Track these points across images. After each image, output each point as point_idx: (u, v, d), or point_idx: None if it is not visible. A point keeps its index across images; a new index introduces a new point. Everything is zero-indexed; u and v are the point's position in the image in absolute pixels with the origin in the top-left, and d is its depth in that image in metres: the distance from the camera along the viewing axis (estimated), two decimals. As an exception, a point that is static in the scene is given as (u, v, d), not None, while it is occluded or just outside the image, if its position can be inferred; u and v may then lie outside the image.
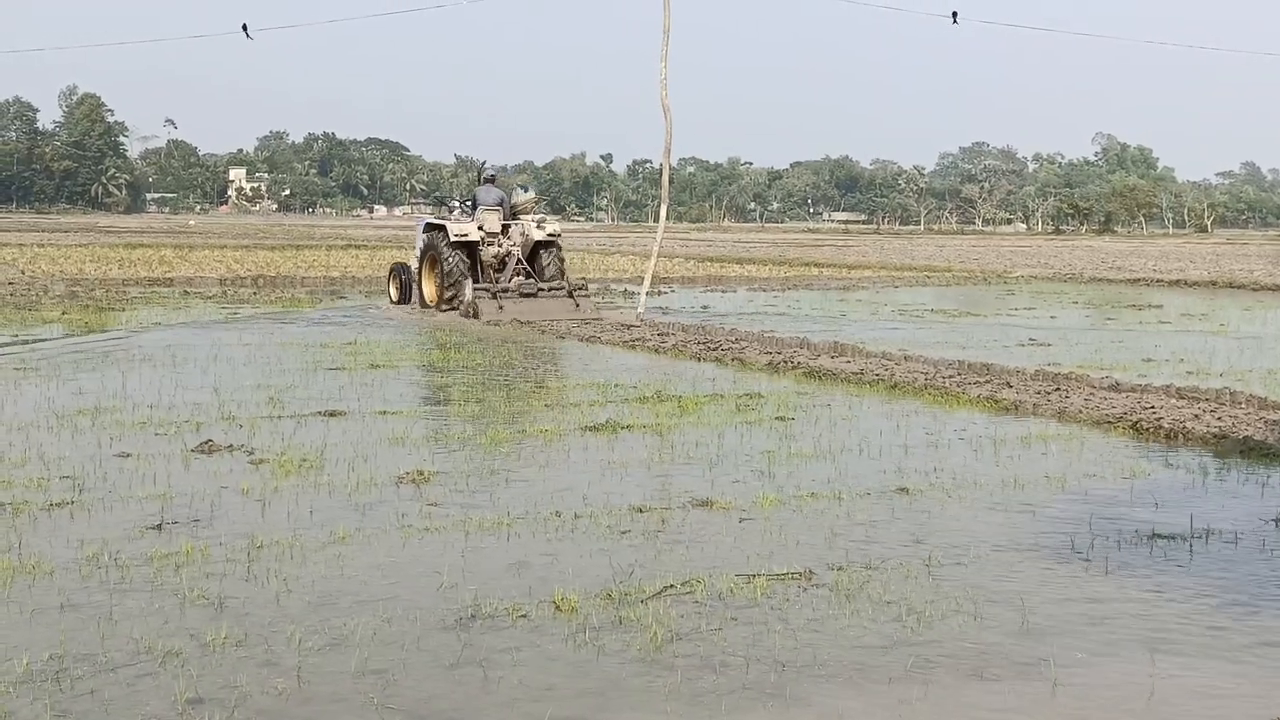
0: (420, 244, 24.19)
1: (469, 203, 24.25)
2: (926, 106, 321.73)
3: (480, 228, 23.25)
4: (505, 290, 22.60)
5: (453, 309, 22.74)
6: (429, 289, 23.66)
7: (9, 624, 5.82)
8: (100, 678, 5.19)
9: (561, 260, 23.94)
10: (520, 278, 23.17)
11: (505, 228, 23.66)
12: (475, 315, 21.95)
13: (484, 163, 26.07)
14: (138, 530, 7.43)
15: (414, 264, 24.56)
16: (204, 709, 4.90)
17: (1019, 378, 14.41)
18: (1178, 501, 8.65)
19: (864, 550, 7.29)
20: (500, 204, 23.89)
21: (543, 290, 22.85)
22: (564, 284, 23.24)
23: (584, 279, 26.50)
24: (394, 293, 25.01)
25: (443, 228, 23.23)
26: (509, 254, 23.49)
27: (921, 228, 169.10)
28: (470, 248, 23.17)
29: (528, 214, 23.96)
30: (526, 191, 24.82)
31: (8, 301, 23.95)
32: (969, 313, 26.22)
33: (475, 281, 22.86)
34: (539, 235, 23.46)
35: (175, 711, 4.88)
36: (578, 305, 22.71)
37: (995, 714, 5.06)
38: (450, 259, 22.86)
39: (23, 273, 32.38)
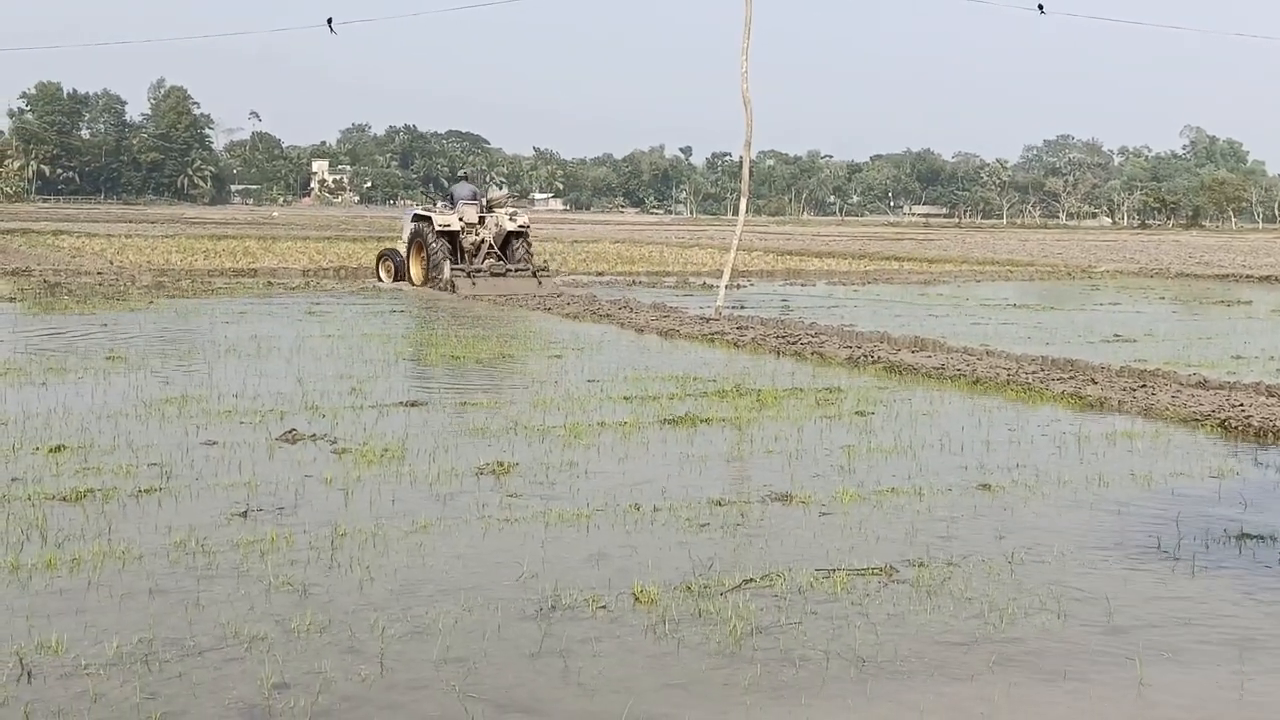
0: (408, 232, 28.28)
1: (449, 198, 28.53)
2: (1010, 99, 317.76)
3: (460, 219, 27.44)
4: (478, 270, 26.59)
5: (435, 286, 26.52)
6: (415, 270, 27.76)
7: (99, 607, 5.95)
8: (188, 661, 5.30)
9: (529, 246, 28.04)
10: (492, 260, 27.17)
11: (481, 219, 27.68)
12: (452, 290, 25.76)
13: (464, 166, 31.90)
14: (224, 517, 7.57)
15: (402, 249, 28.50)
16: (289, 694, 4.99)
17: (1104, 374, 14.20)
18: (1267, 501, 8.49)
19: (945, 546, 7.24)
20: (475, 198, 28.21)
21: (510, 271, 26.83)
22: (529, 266, 27.22)
23: (547, 263, 29.92)
24: (384, 275, 28.86)
25: (429, 218, 27.42)
26: (484, 241, 27.47)
27: (1004, 222, 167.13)
28: (452, 236, 27.34)
29: (502, 208, 28.14)
30: (501, 189, 31.42)
31: (97, 291, 24.45)
32: (1052, 308, 25.88)
33: (454, 263, 26.80)
34: (510, 226, 27.58)
35: (261, 695, 4.96)
36: (540, 284, 26.43)
37: (1080, 713, 5.00)
38: (434, 244, 27.03)
39: (111, 263, 33.04)
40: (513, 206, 28.85)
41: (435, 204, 28.84)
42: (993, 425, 11.25)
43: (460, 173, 30.37)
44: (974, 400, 12.70)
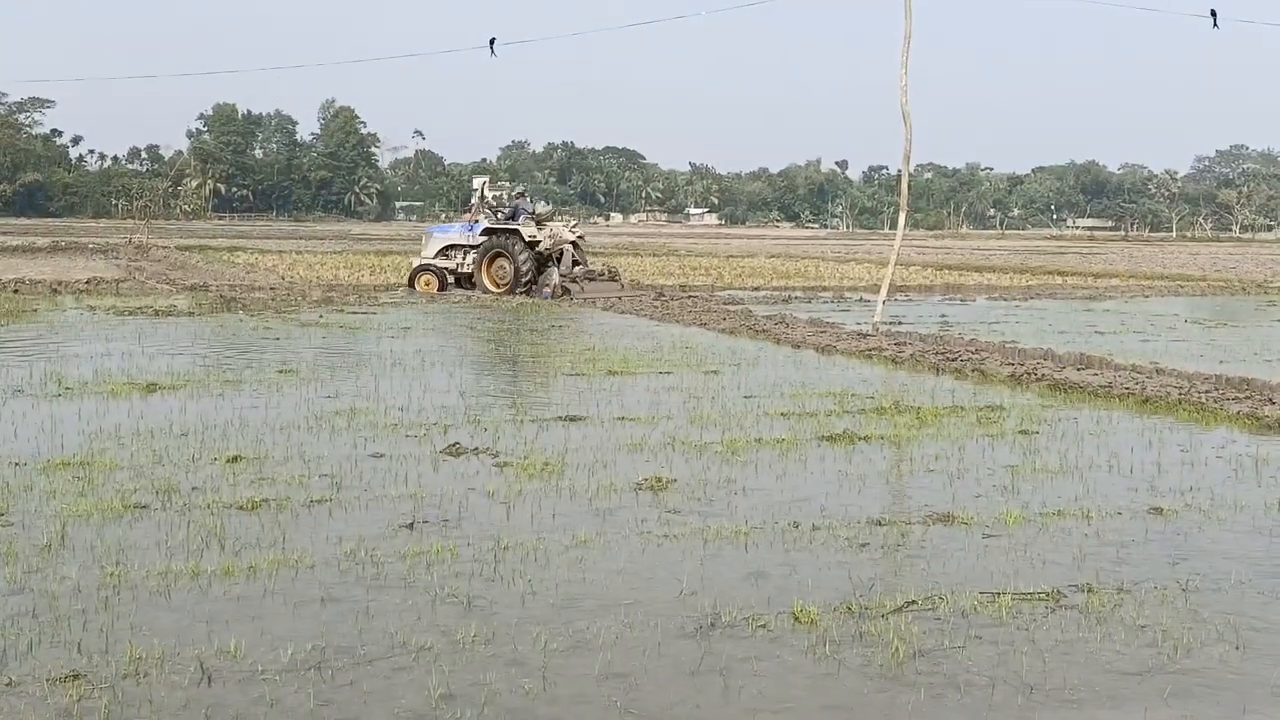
0: (440, 246, 31.23)
1: (512, 213, 31.13)
2: (1181, 109, 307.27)
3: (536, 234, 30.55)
4: (575, 278, 29.94)
5: (524, 294, 29.16)
6: (487, 280, 30.13)
7: (275, 615, 6.14)
8: (359, 669, 5.43)
9: (584, 254, 31.52)
10: (580, 267, 30.55)
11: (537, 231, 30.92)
12: (560, 295, 28.81)
13: (521, 185, 38.70)
14: (391, 528, 7.75)
15: (440, 262, 30.85)
16: (455, 705, 5.07)
17: (1283, 394, 13.63)
18: None
19: (1115, 572, 7.03)
20: (532, 214, 31.56)
21: (597, 276, 30.83)
22: (605, 270, 31.44)
23: (616, 267, 33.21)
24: (421, 289, 30.34)
25: (516, 232, 30.11)
26: (561, 251, 30.31)
27: (1173, 235, 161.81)
28: (533, 247, 30.08)
29: (550, 222, 31.69)
30: (546, 205, 35.06)
31: (269, 306, 25.27)
32: (1226, 324, 24.97)
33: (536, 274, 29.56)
34: (570, 237, 30.90)
35: (429, 706, 5.06)
36: (622, 286, 30.62)
37: (1261, 751, 4.80)
38: (523, 256, 29.74)
39: (282, 278, 34.11)
40: (559, 220, 32.68)
41: (497, 217, 31.31)
42: (1164, 446, 10.90)
43: (517, 190, 34.19)
44: (1144, 420, 12.32)
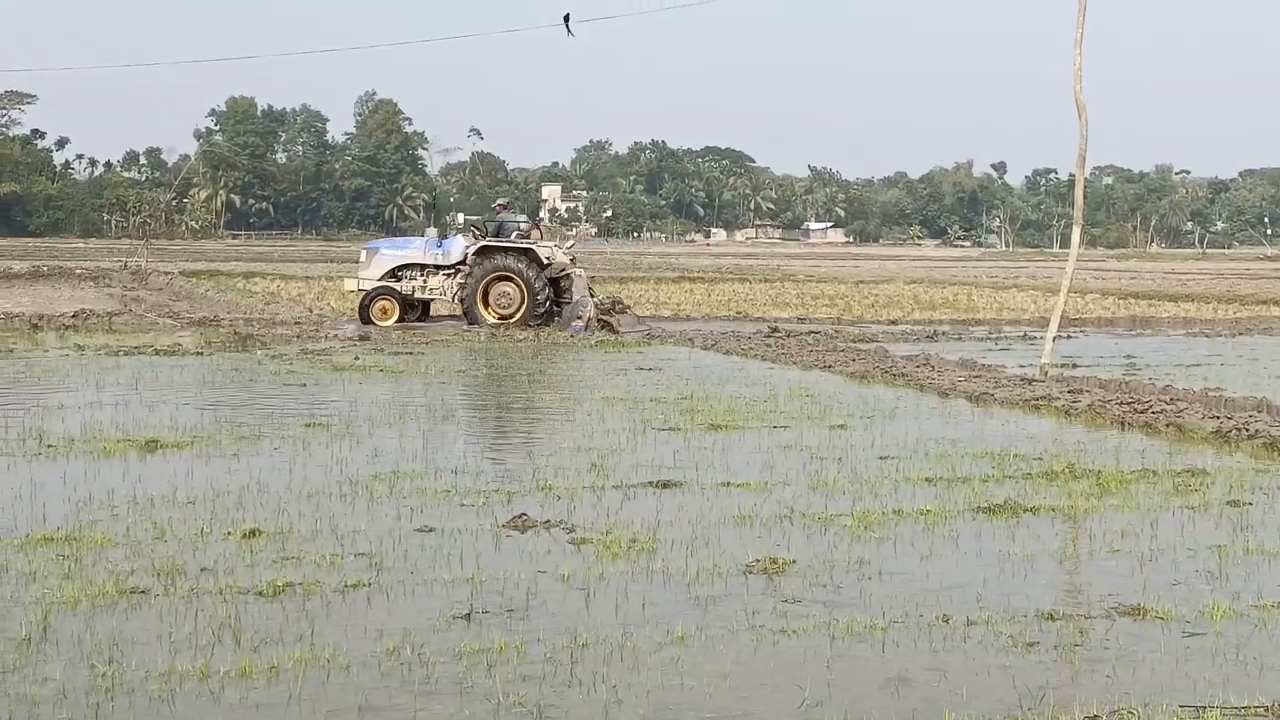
0: (387, 267, 31.38)
1: (496, 229, 31.72)
2: None
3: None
4: (610, 310, 30.53)
5: (535, 328, 29.43)
6: (484, 310, 30.22)
7: (302, 725, 6.21)
8: (404, 795, 5.47)
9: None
10: (599, 296, 31.43)
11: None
12: (599, 330, 29.09)
13: (508, 198, 38.40)
14: (443, 620, 7.81)
15: (391, 285, 31.08)
16: (522, 840, 5.09)
17: None
18: None
19: (1356, 682, 6.90)
20: (526, 233, 32.20)
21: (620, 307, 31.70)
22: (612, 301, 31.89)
23: (621, 298, 34.31)
24: (378, 319, 30.39)
25: (528, 252, 30.42)
26: (568, 275, 30.74)
27: None
28: (543, 269, 30.38)
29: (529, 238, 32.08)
30: (526, 220, 34.42)
31: (294, 344, 25.60)
32: None
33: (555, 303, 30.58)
34: (565, 260, 31.25)
35: (489, 841, 5.08)
36: (639, 320, 31.45)
37: None
38: (541, 281, 30.08)
39: (310, 311, 34.64)
40: (550, 240, 33.55)
41: (472, 231, 32.34)
42: None
43: (500, 202, 35.04)
44: (1389, 489, 12.10)
